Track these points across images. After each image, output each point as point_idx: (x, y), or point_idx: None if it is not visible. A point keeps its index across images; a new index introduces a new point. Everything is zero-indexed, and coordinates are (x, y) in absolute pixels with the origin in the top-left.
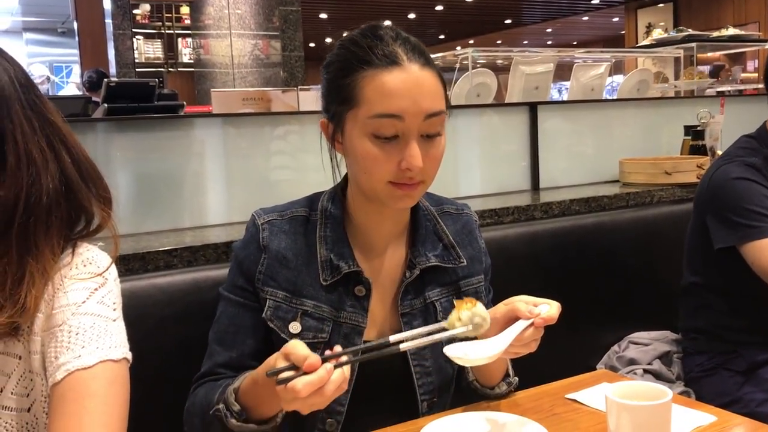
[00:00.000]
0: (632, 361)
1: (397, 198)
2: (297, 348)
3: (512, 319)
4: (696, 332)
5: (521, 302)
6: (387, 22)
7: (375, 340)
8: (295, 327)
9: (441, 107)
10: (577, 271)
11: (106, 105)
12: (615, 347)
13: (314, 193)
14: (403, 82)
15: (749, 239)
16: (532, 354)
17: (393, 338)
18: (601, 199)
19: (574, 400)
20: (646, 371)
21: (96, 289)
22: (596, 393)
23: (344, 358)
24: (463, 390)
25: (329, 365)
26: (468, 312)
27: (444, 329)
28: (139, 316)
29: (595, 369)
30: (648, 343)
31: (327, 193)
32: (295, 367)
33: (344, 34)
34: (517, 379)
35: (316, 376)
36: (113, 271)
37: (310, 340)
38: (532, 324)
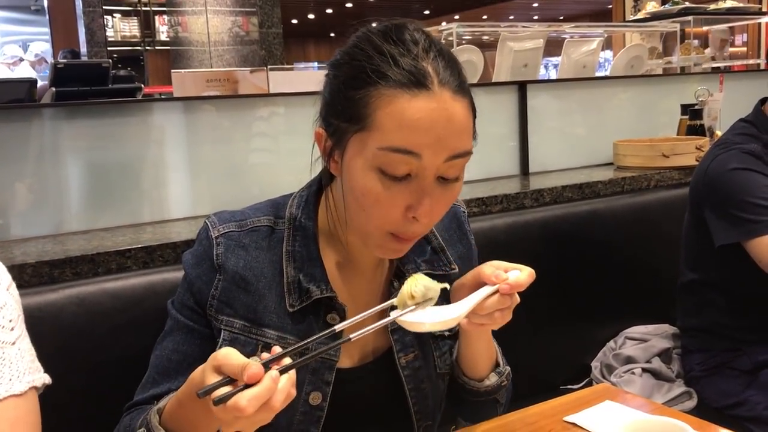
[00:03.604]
0: (630, 359)
1: (390, 251)
2: (230, 357)
3: (480, 285)
4: (696, 330)
5: (489, 266)
6: (417, 24)
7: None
8: None
9: (468, 147)
10: (570, 262)
11: (54, 89)
12: (611, 343)
13: (281, 196)
14: (429, 113)
15: (754, 235)
16: (522, 352)
17: (340, 326)
18: (595, 185)
19: (574, 424)
20: (645, 370)
21: None
22: (598, 414)
23: (287, 360)
24: (454, 396)
25: (274, 372)
26: (421, 287)
27: (394, 307)
28: (88, 325)
29: (589, 366)
30: (645, 338)
31: (296, 198)
32: (230, 381)
33: (365, 29)
34: (508, 368)
35: (263, 388)
36: (5, 277)
37: None
38: (497, 291)
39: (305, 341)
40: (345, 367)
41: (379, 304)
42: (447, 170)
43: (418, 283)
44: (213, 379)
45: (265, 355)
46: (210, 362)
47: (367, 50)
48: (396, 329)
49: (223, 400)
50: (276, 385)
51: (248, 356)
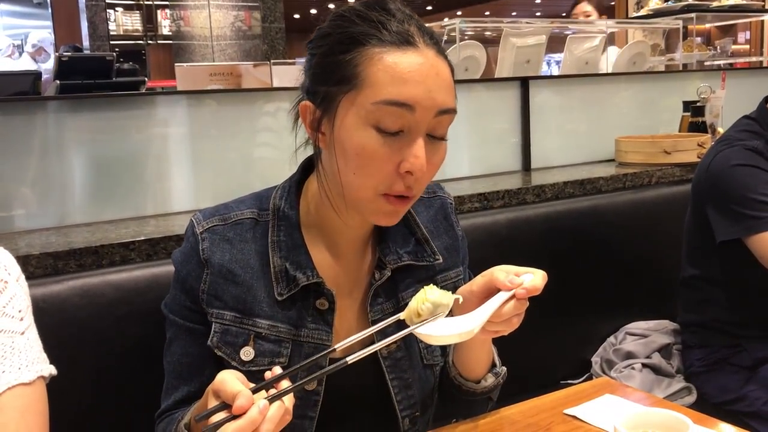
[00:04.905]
0: (630, 355)
1: (385, 214)
2: (226, 383)
3: (491, 291)
4: (697, 326)
5: (501, 272)
6: None
7: (342, 356)
8: (247, 353)
9: (454, 104)
10: (571, 258)
11: (58, 82)
12: (611, 339)
13: (264, 188)
14: (419, 67)
15: (755, 231)
16: (523, 347)
17: (338, 345)
18: (596, 181)
19: (575, 417)
20: (645, 365)
21: None
22: (598, 407)
23: (285, 382)
24: (446, 394)
25: (263, 402)
26: (429, 305)
27: (401, 322)
28: (92, 316)
29: (590, 362)
30: (646, 334)
31: (279, 189)
32: (227, 405)
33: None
34: (504, 369)
35: (247, 420)
36: (14, 268)
37: (266, 367)
38: (513, 296)
39: (303, 363)
40: (337, 357)
41: (363, 294)
42: (435, 127)
43: (427, 300)
44: (213, 402)
45: (268, 374)
46: (211, 385)
47: (352, 19)
48: (377, 319)
49: (209, 430)
50: (262, 416)
51: (241, 347)
